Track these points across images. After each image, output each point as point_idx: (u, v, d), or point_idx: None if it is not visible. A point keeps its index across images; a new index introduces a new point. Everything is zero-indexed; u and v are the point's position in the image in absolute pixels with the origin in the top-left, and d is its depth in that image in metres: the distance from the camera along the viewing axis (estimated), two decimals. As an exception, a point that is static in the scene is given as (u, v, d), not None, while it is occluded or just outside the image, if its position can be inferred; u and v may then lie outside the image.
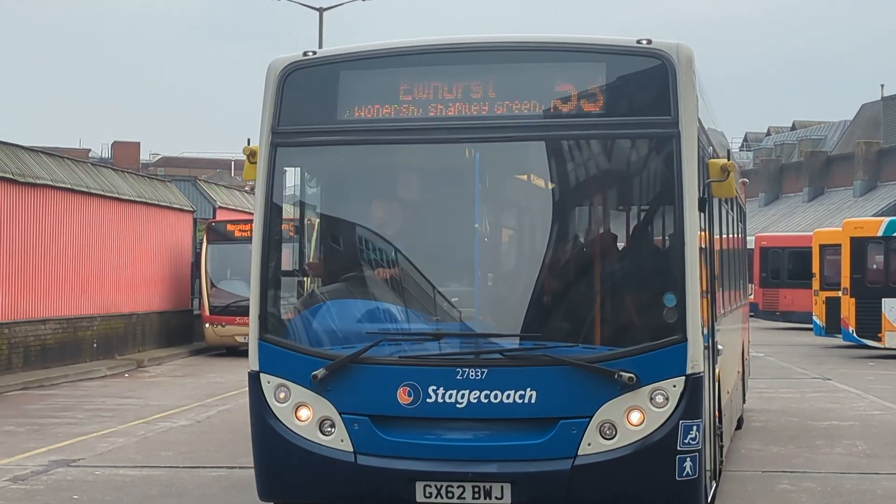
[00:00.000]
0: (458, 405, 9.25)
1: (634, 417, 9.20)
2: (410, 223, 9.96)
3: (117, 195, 30.50)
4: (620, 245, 9.71)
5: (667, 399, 9.18)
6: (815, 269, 35.69)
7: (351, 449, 9.42)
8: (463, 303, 9.60)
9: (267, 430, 9.61)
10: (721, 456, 11.70)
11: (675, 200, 9.26)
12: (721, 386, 11.78)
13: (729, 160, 9.81)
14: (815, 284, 35.49)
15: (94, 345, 29.02)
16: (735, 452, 15.03)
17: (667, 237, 9.44)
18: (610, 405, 9.17)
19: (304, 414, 9.52)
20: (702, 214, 9.54)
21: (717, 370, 10.98)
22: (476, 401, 9.23)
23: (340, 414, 9.43)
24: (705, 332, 10.04)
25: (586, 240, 9.85)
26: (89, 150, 66.87)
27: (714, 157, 10.38)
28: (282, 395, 9.58)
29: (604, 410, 9.17)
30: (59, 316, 27.43)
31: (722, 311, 12.41)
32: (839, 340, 33.21)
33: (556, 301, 9.65)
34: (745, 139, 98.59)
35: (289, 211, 10.00)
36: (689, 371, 9.19)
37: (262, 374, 9.65)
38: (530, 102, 9.54)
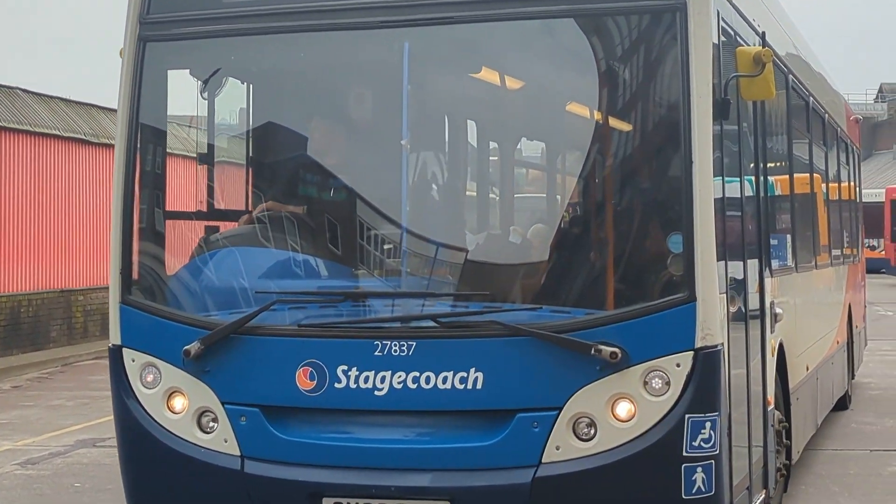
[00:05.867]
0: (376, 392, 6.34)
1: (622, 410, 6.19)
2: (321, 145, 7.03)
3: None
4: (605, 168, 6.57)
5: (667, 384, 6.14)
6: (949, 220, 31.79)
7: (237, 452, 6.58)
8: (386, 251, 6.68)
9: (132, 425, 6.82)
10: (787, 457, 8.52)
11: (679, 102, 6.19)
12: (789, 363, 8.63)
13: (764, 48, 6.64)
14: (950, 237, 31.61)
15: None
16: (843, 427, 12.59)
17: (669, 155, 6.35)
18: (587, 392, 6.17)
19: (179, 404, 6.72)
20: (722, 124, 6.46)
21: (770, 341, 7.86)
22: (401, 386, 6.31)
23: (223, 404, 6.60)
24: (742, 291, 6.98)
25: (555, 162, 6.78)
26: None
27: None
28: (150, 378, 6.77)
29: (578, 400, 6.18)
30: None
31: (789, 266, 9.21)
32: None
33: (513, 247, 6.66)
34: (881, 90, 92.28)
35: (171, 132, 7.16)
36: (699, 343, 6.12)
37: (125, 350, 6.84)
38: None
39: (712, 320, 6.15)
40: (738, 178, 7.13)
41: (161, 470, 6.76)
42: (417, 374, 6.28)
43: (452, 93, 7.06)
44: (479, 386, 6.23)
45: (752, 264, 7.44)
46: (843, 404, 13.46)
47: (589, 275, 6.46)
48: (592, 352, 6.08)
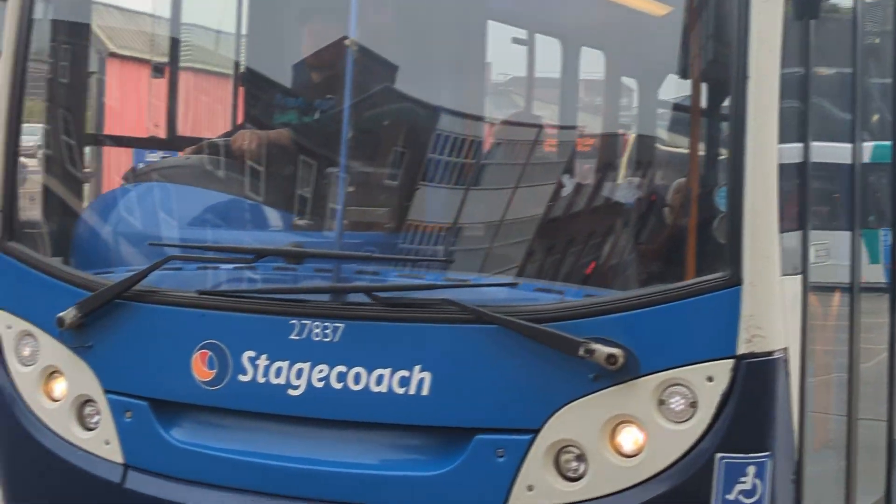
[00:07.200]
0: (290, 391, 4.50)
1: (625, 440, 4.19)
2: (249, 79, 5.34)
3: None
4: (616, 97, 4.54)
5: (693, 405, 4.10)
6: None
7: (120, 459, 4.86)
8: (319, 203, 4.87)
9: (4, 413, 5.16)
10: None
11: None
12: None
13: None
14: None
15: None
16: None
17: (716, 66, 4.28)
18: (575, 411, 4.18)
19: (59, 389, 5.03)
20: (810, 26, 4.36)
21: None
22: (323, 384, 4.45)
23: (106, 393, 4.87)
24: (849, 270, 4.89)
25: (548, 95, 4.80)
26: None
27: None
28: (27, 353, 5.08)
29: (562, 421, 4.19)
30: None
31: None
32: None
33: (485, 204, 4.72)
34: None
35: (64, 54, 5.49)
36: (743, 348, 4.04)
37: (0, 313, 5.18)
38: None
39: (766, 314, 4.05)
40: (851, 110, 4.98)
41: (36, 476, 5.09)
42: (344, 368, 4.42)
43: (412, 14, 5.15)
44: (424, 391, 4.32)
45: (877, 235, 5.29)
46: None
47: (588, 245, 4.45)
48: (582, 352, 4.09)
